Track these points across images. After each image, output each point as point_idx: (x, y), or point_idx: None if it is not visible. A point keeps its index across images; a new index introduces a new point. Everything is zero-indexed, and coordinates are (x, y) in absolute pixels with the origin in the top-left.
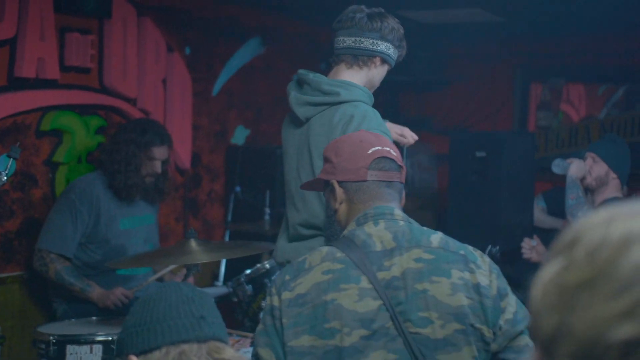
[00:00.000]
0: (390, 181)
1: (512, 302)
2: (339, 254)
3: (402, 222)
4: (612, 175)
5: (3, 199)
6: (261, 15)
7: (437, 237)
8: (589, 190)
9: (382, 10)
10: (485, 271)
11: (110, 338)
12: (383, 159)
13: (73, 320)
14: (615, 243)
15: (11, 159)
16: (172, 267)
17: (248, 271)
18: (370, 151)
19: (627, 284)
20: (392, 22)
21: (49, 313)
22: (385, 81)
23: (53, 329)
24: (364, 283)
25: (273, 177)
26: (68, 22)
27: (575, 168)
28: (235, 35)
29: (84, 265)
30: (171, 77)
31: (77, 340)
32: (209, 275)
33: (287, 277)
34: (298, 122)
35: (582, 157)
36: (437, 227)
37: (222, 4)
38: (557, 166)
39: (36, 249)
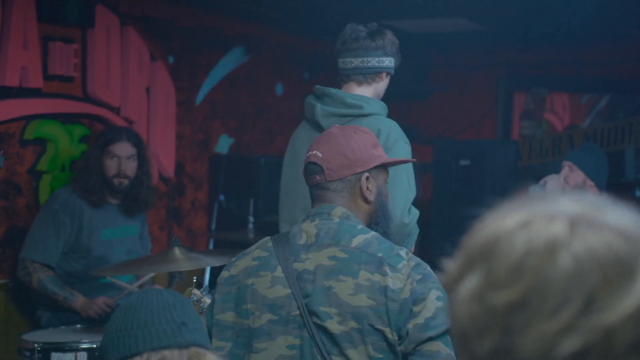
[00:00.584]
0: (316, 184)
1: (430, 307)
2: (269, 244)
3: (335, 220)
4: (590, 183)
5: None
6: (244, 25)
7: (360, 238)
8: None
9: (378, 26)
10: (401, 276)
11: (94, 345)
12: (308, 165)
13: (57, 328)
14: (540, 253)
15: None
16: (152, 274)
17: None
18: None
19: (563, 298)
20: (391, 36)
21: (34, 321)
22: None
23: (38, 337)
24: (278, 272)
25: (257, 186)
26: (51, 31)
27: (551, 186)
28: (219, 44)
29: (66, 274)
30: (155, 86)
31: (62, 348)
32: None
33: (233, 259)
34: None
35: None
36: (421, 236)
37: (205, 14)
38: (533, 193)
39: (20, 258)
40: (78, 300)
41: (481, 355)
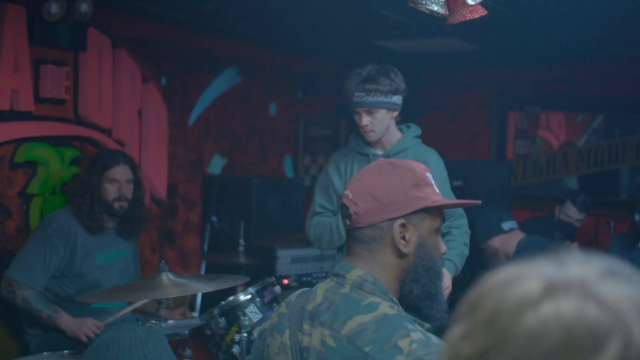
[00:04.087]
0: (348, 230)
1: None
2: (293, 299)
3: (345, 289)
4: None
5: None
6: (236, 46)
7: (355, 322)
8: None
9: (390, 66)
10: None
11: None
12: (342, 205)
13: (45, 354)
14: (509, 310)
15: None
16: (144, 301)
17: (222, 302)
18: None
19: (519, 355)
20: (399, 75)
21: (23, 345)
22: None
23: None
24: (285, 338)
25: (249, 208)
26: (43, 54)
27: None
28: (211, 65)
29: (57, 298)
30: (147, 107)
31: None
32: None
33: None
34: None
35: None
36: None
37: (197, 35)
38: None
39: (5, 276)
40: (63, 317)
41: None
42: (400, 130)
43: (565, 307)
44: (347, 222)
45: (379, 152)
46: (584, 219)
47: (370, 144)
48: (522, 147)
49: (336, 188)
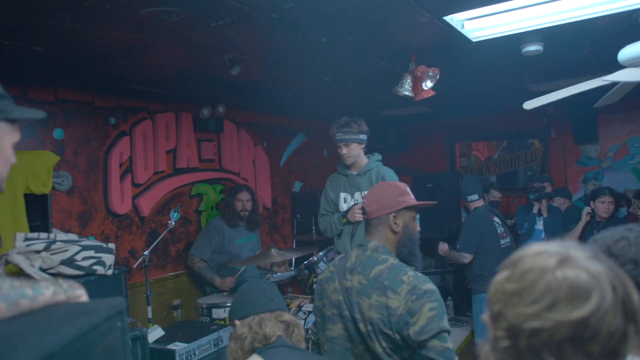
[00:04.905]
0: (366, 220)
1: (423, 318)
2: (336, 262)
3: (368, 252)
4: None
5: (175, 233)
6: (303, 121)
7: (377, 270)
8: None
9: (357, 117)
10: (400, 297)
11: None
12: (363, 207)
13: (213, 295)
14: (537, 270)
15: (176, 213)
16: (254, 265)
17: (305, 262)
18: None
19: (539, 298)
20: (363, 122)
21: (202, 291)
22: (378, 148)
23: (205, 300)
24: (336, 284)
25: (315, 209)
26: (201, 136)
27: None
28: (290, 132)
29: (217, 264)
30: (257, 159)
31: (217, 306)
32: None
33: (327, 267)
34: (346, 178)
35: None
36: None
37: (281, 117)
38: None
39: (190, 254)
40: (216, 280)
41: (493, 313)
42: (368, 157)
43: (569, 273)
44: (365, 216)
45: (354, 172)
46: (500, 197)
47: (349, 167)
48: (464, 162)
49: (330, 198)
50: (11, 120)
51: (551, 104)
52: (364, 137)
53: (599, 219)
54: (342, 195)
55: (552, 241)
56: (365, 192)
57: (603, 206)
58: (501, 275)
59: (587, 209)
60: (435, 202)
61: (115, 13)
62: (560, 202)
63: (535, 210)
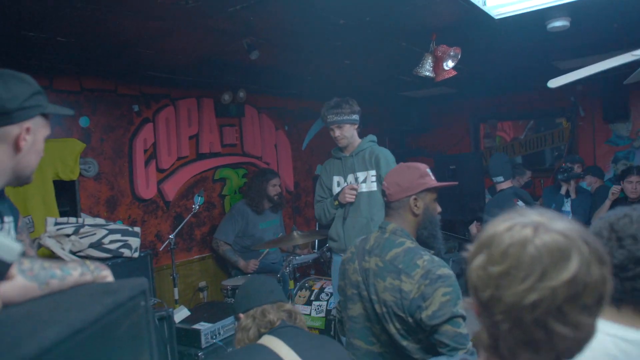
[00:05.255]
0: (386, 202)
1: (436, 302)
2: (358, 243)
3: (386, 235)
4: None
5: (200, 217)
6: (322, 103)
7: (393, 252)
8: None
9: (347, 97)
10: (413, 281)
11: None
12: (382, 189)
13: (237, 277)
14: (517, 245)
15: (200, 197)
16: (277, 247)
17: (327, 244)
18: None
19: (529, 271)
20: (355, 102)
21: (228, 273)
22: (399, 130)
23: (230, 282)
24: (356, 265)
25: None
26: (223, 121)
27: (474, 229)
28: (311, 116)
29: (240, 247)
30: (279, 143)
31: (236, 287)
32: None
33: (349, 248)
34: (339, 161)
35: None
36: None
37: (302, 101)
38: (518, 208)
39: (214, 238)
40: (240, 262)
41: (484, 301)
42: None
43: (547, 239)
44: (385, 198)
45: (347, 154)
46: (530, 177)
47: (342, 150)
48: (488, 143)
49: (325, 183)
50: (45, 115)
51: (579, 82)
52: (356, 117)
53: (630, 200)
54: (336, 178)
55: (507, 213)
56: (359, 173)
57: (631, 186)
58: (479, 260)
59: (614, 188)
60: (456, 182)
61: (133, 1)
62: (591, 181)
63: (563, 191)
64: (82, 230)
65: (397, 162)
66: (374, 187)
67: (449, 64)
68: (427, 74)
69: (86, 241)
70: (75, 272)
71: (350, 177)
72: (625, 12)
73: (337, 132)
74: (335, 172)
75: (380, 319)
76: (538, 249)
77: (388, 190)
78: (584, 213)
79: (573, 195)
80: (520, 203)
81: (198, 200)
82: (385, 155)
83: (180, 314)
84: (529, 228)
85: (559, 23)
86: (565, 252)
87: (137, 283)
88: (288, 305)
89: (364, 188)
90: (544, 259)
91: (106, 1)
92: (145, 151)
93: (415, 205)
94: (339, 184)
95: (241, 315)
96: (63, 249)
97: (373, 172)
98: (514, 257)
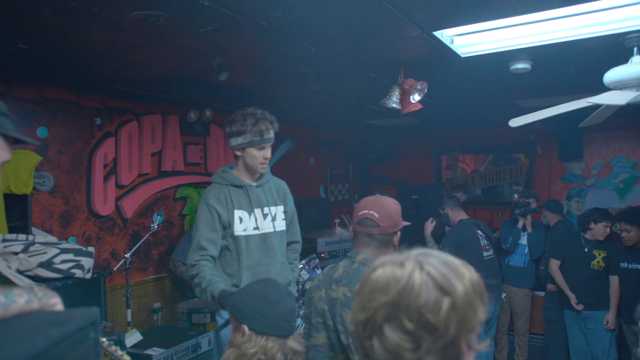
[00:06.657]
0: (368, 233)
1: None
2: (326, 271)
3: (355, 265)
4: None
5: (158, 236)
6: (290, 126)
7: None
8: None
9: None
10: None
11: (208, 310)
12: (364, 219)
13: (194, 300)
14: (364, 280)
15: (159, 216)
16: None
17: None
18: (360, 213)
19: (367, 299)
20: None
21: (184, 295)
22: (364, 157)
23: (185, 305)
24: (322, 293)
25: (300, 215)
26: (187, 139)
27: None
28: (278, 139)
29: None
30: None
31: (197, 311)
32: None
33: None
34: (242, 190)
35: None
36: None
37: None
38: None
39: (172, 259)
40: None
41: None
42: None
43: (432, 272)
44: (373, 229)
45: (252, 183)
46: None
47: (243, 176)
48: (449, 174)
49: (222, 216)
50: (7, 139)
51: (538, 121)
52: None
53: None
54: (237, 213)
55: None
56: (271, 208)
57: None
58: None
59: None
60: (410, 223)
61: (103, 14)
62: (547, 215)
63: (520, 225)
64: (31, 248)
65: (361, 189)
66: (284, 225)
67: (415, 97)
68: (394, 105)
69: (35, 260)
70: (20, 300)
71: (258, 212)
72: (582, 59)
73: (268, 153)
74: (237, 204)
75: (345, 349)
76: (420, 283)
77: (382, 223)
78: (539, 247)
79: (529, 229)
80: (479, 231)
81: (157, 219)
82: (288, 190)
83: (132, 338)
84: (410, 265)
85: (521, 65)
86: (445, 285)
87: (87, 313)
88: (295, 344)
89: (275, 227)
90: (429, 292)
91: (75, 12)
92: (105, 166)
93: (397, 240)
94: (241, 221)
95: (246, 329)
96: (9, 267)
97: (282, 209)
98: (396, 293)
